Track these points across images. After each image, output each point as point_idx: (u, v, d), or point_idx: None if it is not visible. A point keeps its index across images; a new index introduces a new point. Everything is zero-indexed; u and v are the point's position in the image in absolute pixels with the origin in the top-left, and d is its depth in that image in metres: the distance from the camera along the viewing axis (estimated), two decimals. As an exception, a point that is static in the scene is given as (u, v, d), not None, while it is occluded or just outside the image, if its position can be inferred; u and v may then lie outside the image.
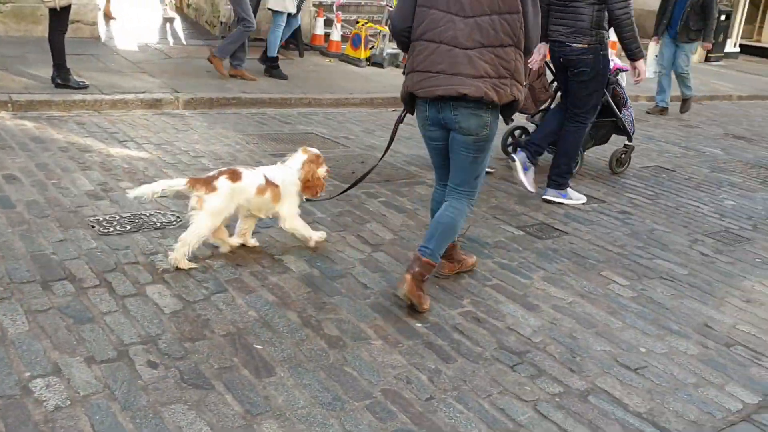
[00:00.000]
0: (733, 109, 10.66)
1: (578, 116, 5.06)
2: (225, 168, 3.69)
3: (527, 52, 3.21)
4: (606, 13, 4.71)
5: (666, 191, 5.79)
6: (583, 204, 5.18)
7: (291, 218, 3.77)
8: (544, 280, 3.86)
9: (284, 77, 8.30)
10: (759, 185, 6.30)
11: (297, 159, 3.79)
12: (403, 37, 3.29)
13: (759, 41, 18.70)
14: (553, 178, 5.17)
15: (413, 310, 3.28)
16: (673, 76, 9.11)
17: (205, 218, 3.46)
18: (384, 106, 8.11)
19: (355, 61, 9.94)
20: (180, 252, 3.44)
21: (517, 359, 3.03)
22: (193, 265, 3.50)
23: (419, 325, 3.22)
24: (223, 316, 3.10)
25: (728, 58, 16.18)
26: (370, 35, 10.20)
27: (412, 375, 2.83)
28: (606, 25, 4.79)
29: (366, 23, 10.07)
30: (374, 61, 10.01)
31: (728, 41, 16.32)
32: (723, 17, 15.28)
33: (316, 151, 3.89)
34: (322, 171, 3.83)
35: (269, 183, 3.64)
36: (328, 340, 3.01)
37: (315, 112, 7.40)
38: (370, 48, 10.14)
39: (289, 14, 8.30)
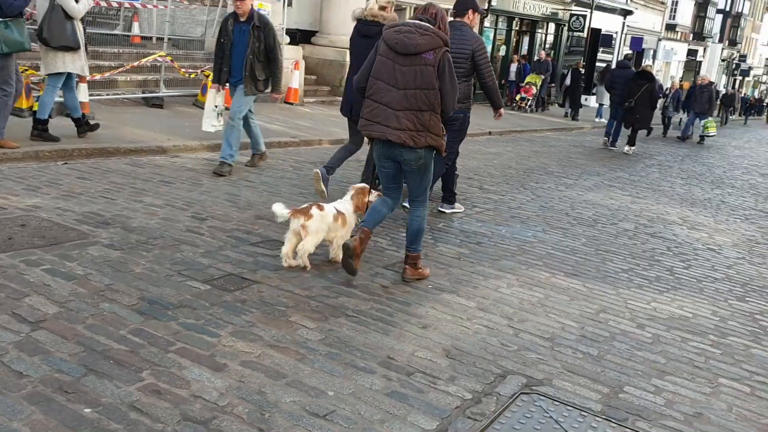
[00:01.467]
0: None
1: (448, 158, 6.69)
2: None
3: (444, 114, 4.59)
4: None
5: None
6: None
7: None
8: (233, 336, 3.70)
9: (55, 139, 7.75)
10: (430, 217, 6.93)
11: (348, 194, 5.21)
12: (360, 91, 4.74)
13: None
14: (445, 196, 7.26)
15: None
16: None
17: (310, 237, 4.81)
18: (52, 159, 7.32)
19: (16, 112, 8.83)
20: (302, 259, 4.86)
21: (203, 429, 2.81)
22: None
23: (89, 410, 2.82)
24: None
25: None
26: (33, 83, 9.19)
27: (79, 473, 2.44)
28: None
29: (26, 70, 9.04)
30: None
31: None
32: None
33: (362, 185, 5.29)
34: (372, 197, 5.15)
35: (339, 212, 4.99)
36: (-34, 451, 2.47)
37: (-37, 172, 6.37)
38: (36, 97, 9.12)
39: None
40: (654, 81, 15.39)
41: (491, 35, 23.89)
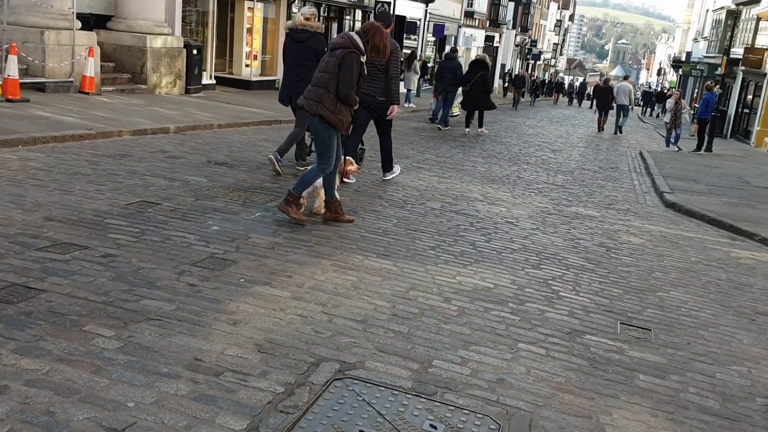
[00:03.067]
0: (214, 137, 11.35)
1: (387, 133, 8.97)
2: None
3: (340, 97, 6.00)
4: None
5: (152, 226, 5.70)
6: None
7: None
8: (16, 353, 3.31)
9: None
10: (240, 207, 6.74)
11: None
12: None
13: (231, 73, 20.55)
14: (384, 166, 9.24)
15: None
16: None
17: None
18: None
19: None
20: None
21: (-24, 465, 2.48)
22: None
23: None
24: None
25: (206, 90, 17.30)
26: None
27: None
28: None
29: None
30: None
31: (204, 74, 17.45)
32: (195, 51, 16.28)
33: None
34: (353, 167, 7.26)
35: None
36: None
37: None
38: None
39: None
40: (487, 69, 17.37)
41: (299, 21, 23.74)
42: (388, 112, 8.53)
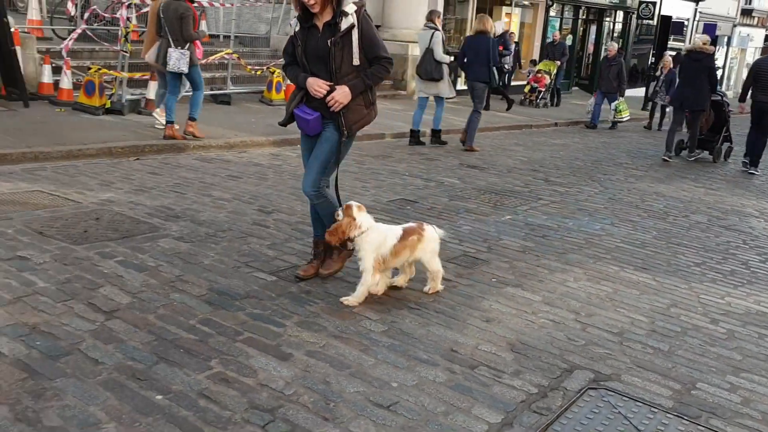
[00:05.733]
0: (467, 140, 11.64)
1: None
2: None
3: None
4: None
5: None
6: None
7: None
8: (298, 326, 3.75)
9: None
10: (491, 209, 6.87)
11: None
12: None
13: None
14: None
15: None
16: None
17: None
18: (125, 155, 7.58)
19: (90, 110, 9.21)
20: None
21: (269, 417, 2.86)
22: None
23: (160, 397, 2.91)
24: None
25: (461, 95, 17.78)
26: (106, 81, 9.55)
27: (151, 457, 2.52)
28: None
29: (99, 69, 9.39)
30: (113, 108, 9.37)
31: (459, 80, 17.95)
32: (453, 58, 16.83)
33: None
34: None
35: None
36: (47, 433, 2.59)
37: (43, 167, 6.67)
38: (108, 95, 9.48)
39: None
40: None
41: (557, 24, 23.39)
42: None
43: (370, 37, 4.17)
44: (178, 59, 7.91)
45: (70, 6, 11.63)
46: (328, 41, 4.07)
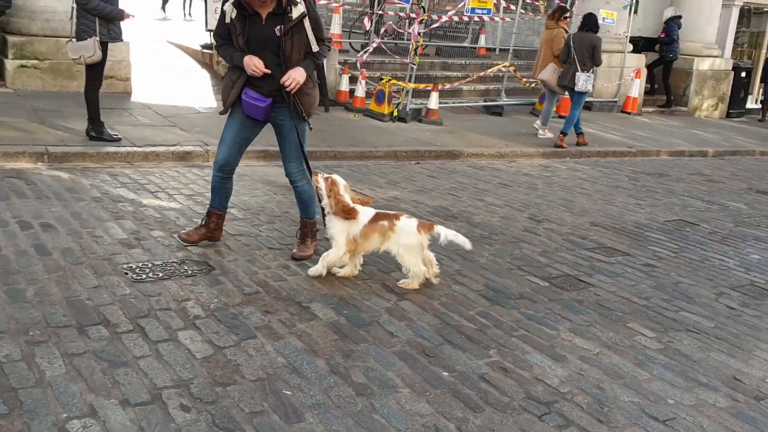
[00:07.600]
0: (756, 164, 10.67)
1: None
2: None
3: None
4: None
5: (690, 245, 5.80)
6: None
7: None
8: (570, 331, 3.87)
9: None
10: (784, 239, 6.28)
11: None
12: None
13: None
14: None
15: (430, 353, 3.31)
16: None
17: None
18: (407, 159, 8.25)
19: (378, 116, 10.15)
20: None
21: (545, 409, 3.03)
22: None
23: (446, 374, 3.24)
24: (253, 361, 3.15)
25: (749, 114, 16.24)
26: (394, 91, 10.44)
27: (440, 423, 2.84)
28: None
29: (390, 80, 10.31)
30: (399, 116, 10.22)
31: (749, 98, 16.43)
32: (743, 74, 15.47)
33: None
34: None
35: None
36: (355, 387, 3.04)
37: (340, 164, 7.55)
38: (395, 104, 10.37)
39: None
40: None
41: None
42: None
43: (316, 20, 4.18)
44: (585, 81, 9.29)
45: (366, 21, 12.87)
46: (276, 30, 4.06)
